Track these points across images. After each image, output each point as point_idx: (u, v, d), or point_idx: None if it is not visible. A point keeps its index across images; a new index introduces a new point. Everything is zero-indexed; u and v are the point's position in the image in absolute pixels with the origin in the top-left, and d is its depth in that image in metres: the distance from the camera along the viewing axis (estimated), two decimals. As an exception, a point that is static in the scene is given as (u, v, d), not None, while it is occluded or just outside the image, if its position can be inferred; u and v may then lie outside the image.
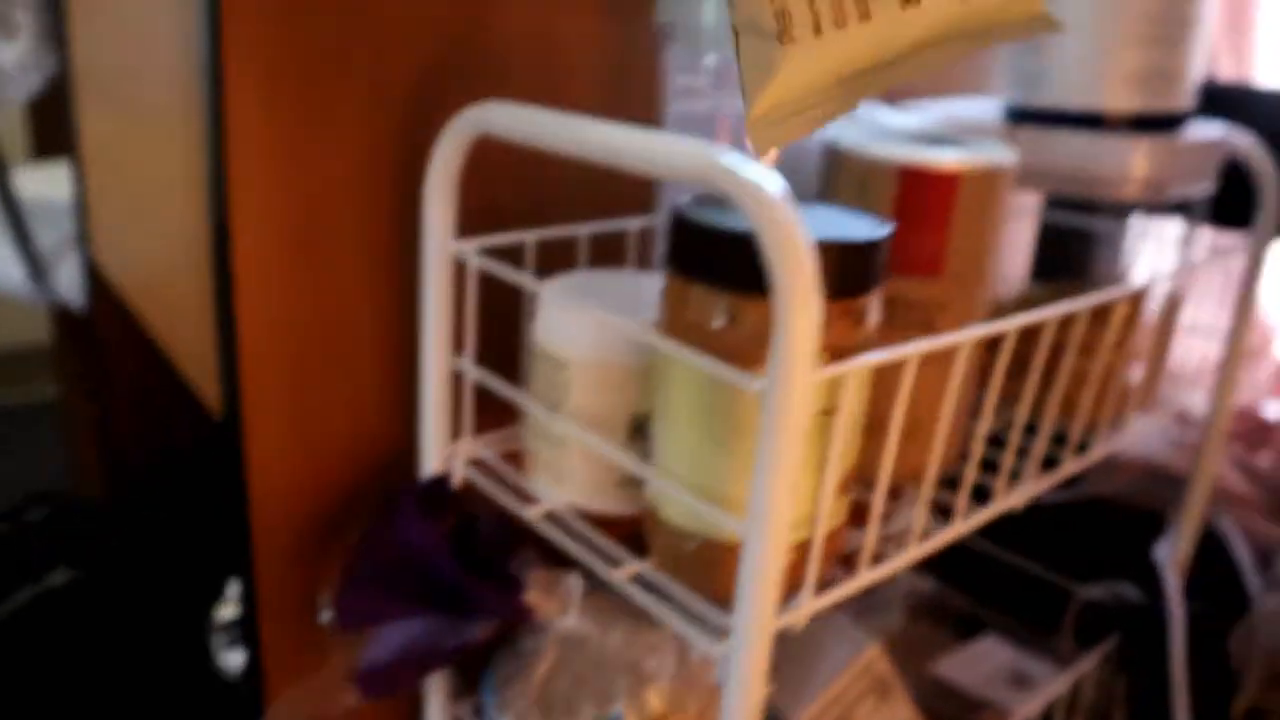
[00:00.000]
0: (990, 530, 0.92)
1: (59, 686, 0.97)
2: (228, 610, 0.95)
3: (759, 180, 0.39)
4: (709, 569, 0.47)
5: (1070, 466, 0.68)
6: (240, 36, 0.53)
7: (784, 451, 0.40)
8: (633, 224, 0.67)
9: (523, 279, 0.55)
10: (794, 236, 0.38)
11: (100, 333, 1.05)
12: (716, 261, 0.44)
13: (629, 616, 0.60)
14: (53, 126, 1.67)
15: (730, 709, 0.45)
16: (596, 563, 0.52)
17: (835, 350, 0.44)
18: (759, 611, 0.43)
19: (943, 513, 0.58)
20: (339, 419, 0.62)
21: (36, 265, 1.14)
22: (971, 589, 1.08)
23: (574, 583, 0.59)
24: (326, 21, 0.56)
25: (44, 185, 1.28)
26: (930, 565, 1.07)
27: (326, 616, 0.58)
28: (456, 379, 0.60)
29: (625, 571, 0.52)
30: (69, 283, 1.13)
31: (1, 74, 1.06)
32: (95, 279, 1.02)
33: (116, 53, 0.83)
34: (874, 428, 0.50)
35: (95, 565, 1.04)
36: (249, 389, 0.59)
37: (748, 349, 0.43)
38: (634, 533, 0.54)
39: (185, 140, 0.63)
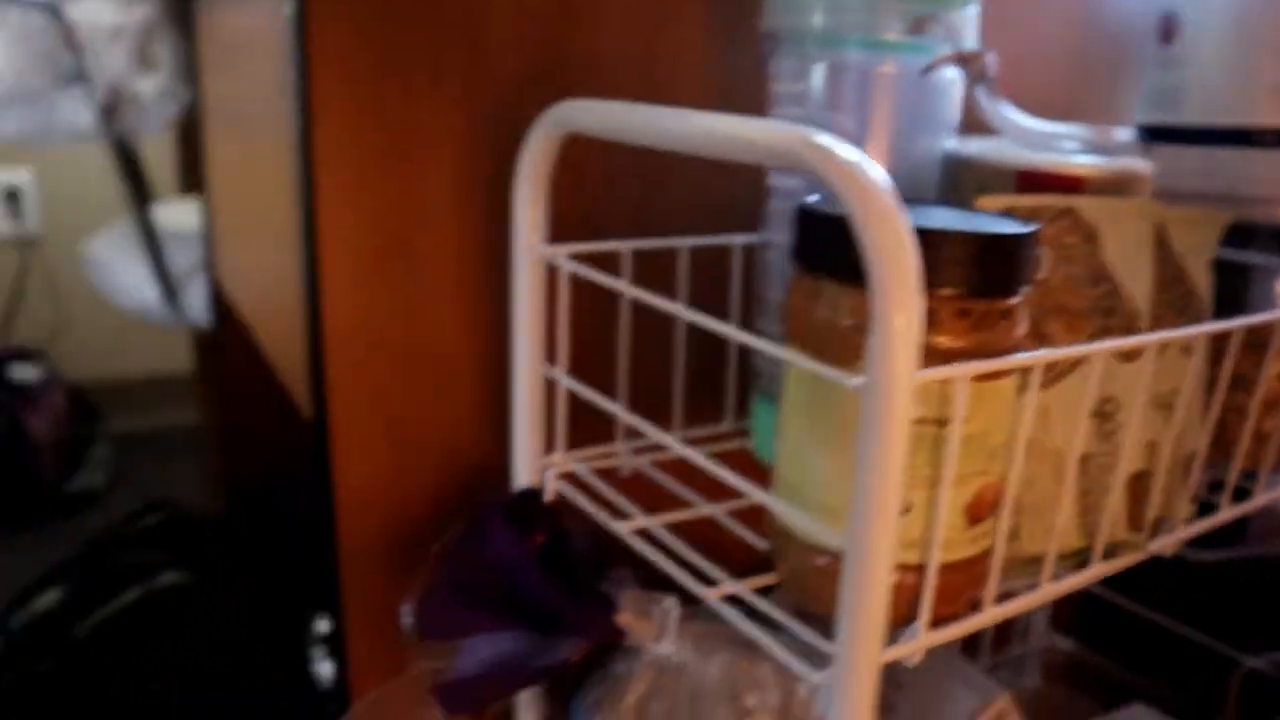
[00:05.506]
0: (1141, 587, 0.85)
1: (161, 681, 1.00)
2: (325, 622, 0.95)
3: (855, 162, 0.36)
4: (823, 584, 0.43)
5: (1226, 514, 0.60)
6: (327, 48, 0.53)
7: (884, 455, 0.36)
8: (738, 239, 0.64)
9: (617, 284, 0.53)
10: (891, 219, 0.35)
11: (224, 351, 1.08)
12: (842, 256, 0.41)
13: (730, 645, 0.57)
14: (195, 162, 1.76)
15: (830, 745, 0.41)
16: (689, 580, 0.49)
17: (981, 354, 0.40)
18: (861, 636, 0.39)
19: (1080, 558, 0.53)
20: (429, 428, 0.60)
21: (169, 288, 1.19)
22: (1118, 652, 0.99)
23: (670, 605, 0.55)
24: (419, 35, 0.55)
25: (181, 216, 1.33)
26: (1073, 625, 0.99)
27: (408, 624, 0.56)
28: (551, 391, 0.58)
29: (719, 591, 0.48)
30: (197, 305, 1.17)
31: (141, 104, 1.11)
32: (219, 300, 1.05)
33: (233, 82, 0.86)
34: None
35: (204, 570, 1.07)
36: (336, 397, 0.58)
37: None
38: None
39: (283, 158, 0.63)
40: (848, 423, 0.41)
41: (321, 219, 0.55)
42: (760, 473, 0.62)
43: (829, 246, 0.42)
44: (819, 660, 0.43)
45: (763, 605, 0.46)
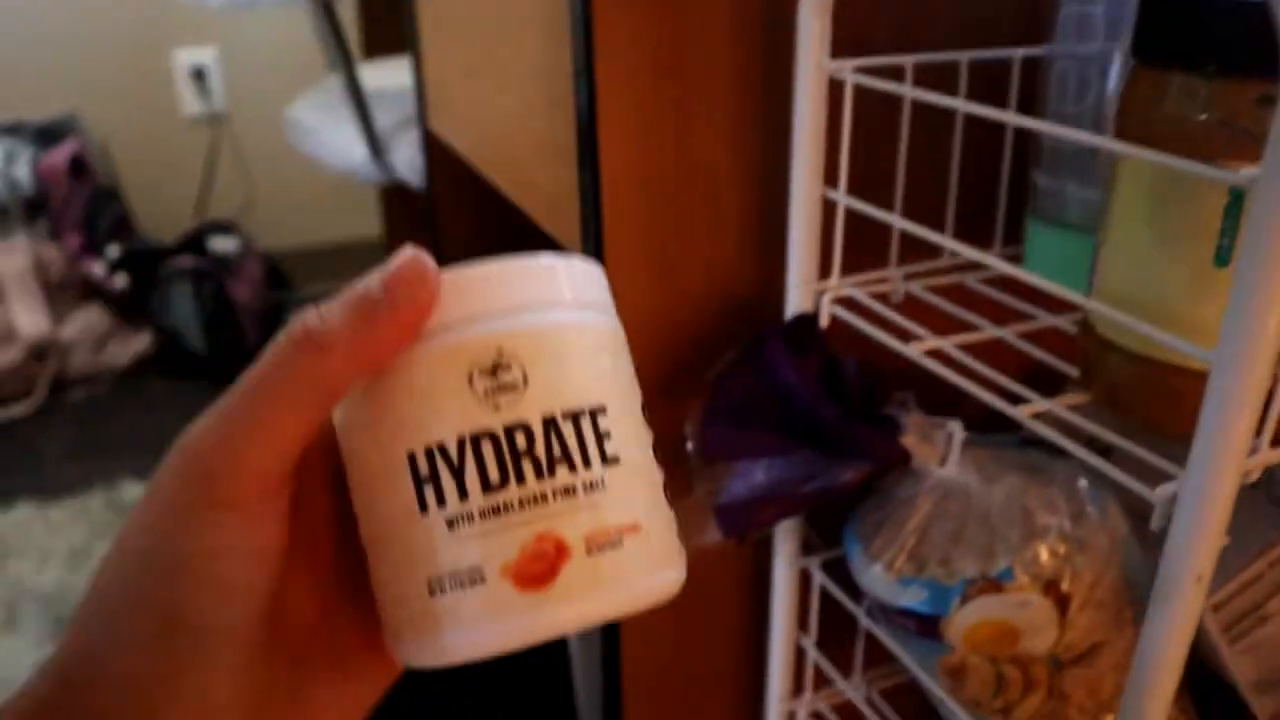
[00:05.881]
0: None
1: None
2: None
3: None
4: (1161, 399, 0.42)
5: None
6: None
7: (1273, 259, 0.34)
8: (1018, 52, 0.60)
9: (902, 89, 0.51)
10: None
11: (436, 206, 1.10)
12: (1209, 45, 0.38)
13: (1015, 469, 0.56)
14: (376, 31, 1.77)
15: (1174, 559, 0.40)
16: (995, 399, 0.48)
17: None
18: (1224, 450, 0.37)
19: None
20: (699, 257, 0.60)
21: (376, 146, 1.21)
22: None
23: (955, 429, 0.54)
24: None
25: (375, 79, 1.34)
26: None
27: (689, 448, 0.57)
28: (827, 216, 0.57)
29: (1029, 409, 0.47)
30: (403, 161, 1.19)
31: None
32: (432, 151, 1.06)
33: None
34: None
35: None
36: (610, 228, 0.58)
37: (1236, 144, 0.37)
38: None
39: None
40: (1206, 227, 0.39)
41: (598, 42, 0.54)
42: (1037, 297, 0.59)
43: (1190, 35, 0.38)
44: (1152, 470, 0.42)
45: (1080, 421, 0.45)
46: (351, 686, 0.28)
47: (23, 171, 2.03)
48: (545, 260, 0.28)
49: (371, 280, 0.25)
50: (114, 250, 2.05)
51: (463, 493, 0.25)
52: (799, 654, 0.71)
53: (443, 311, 0.26)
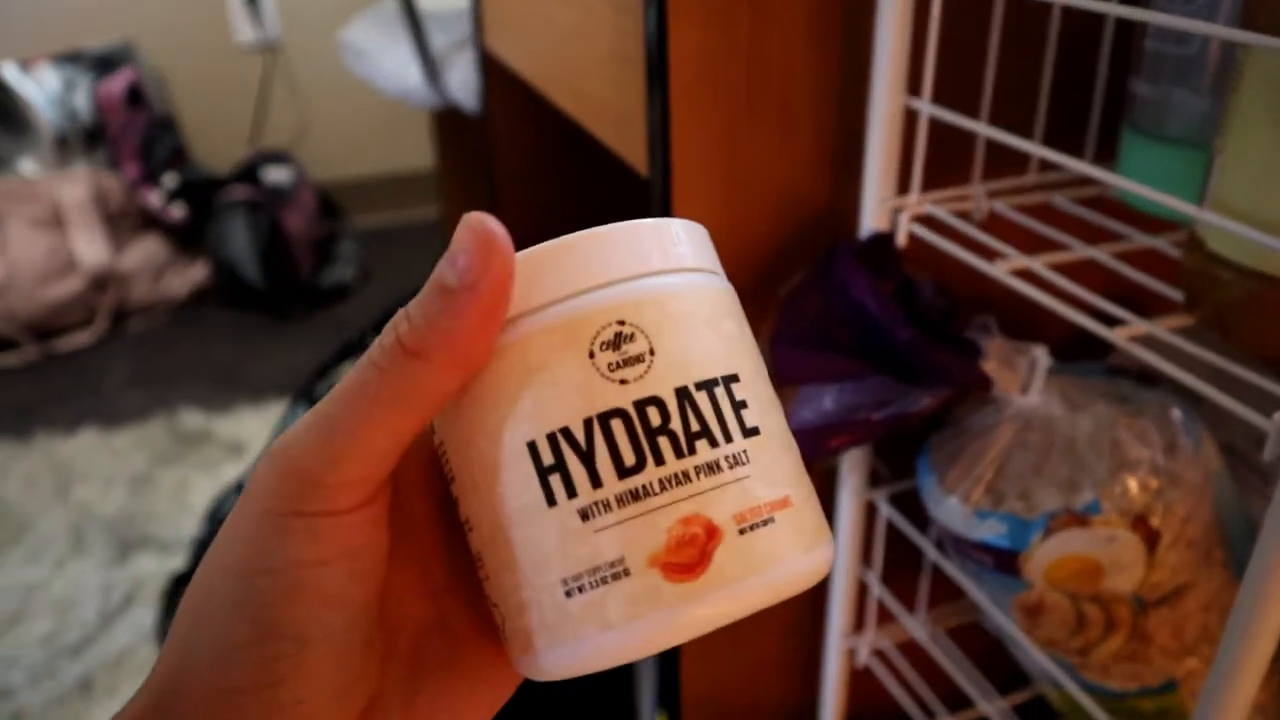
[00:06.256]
0: None
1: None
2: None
3: None
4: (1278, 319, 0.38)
5: None
6: None
7: None
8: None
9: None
10: None
11: (491, 126, 1.07)
12: None
13: (1103, 398, 0.52)
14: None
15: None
16: (1089, 321, 0.44)
17: None
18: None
19: None
20: (769, 173, 0.57)
21: (431, 69, 1.18)
22: None
23: (1039, 354, 0.51)
24: None
25: (426, 1, 1.31)
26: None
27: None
28: (906, 129, 0.53)
29: (1126, 331, 0.44)
30: (458, 84, 1.16)
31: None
32: (488, 73, 1.03)
33: None
34: None
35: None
36: (678, 142, 0.55)
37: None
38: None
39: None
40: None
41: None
42: (1130, 217, 0.56)
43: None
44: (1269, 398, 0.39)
45: (1184, 344, 0.42)
46: (471, 693, 0.27)
47: (81, 100, 2.04)
48: (655, 221, 0.25)
49: (444, 266, 0.23)
50: (171, 180, 2.06)
51: (595, 480, 0.23)
52: (861, 589, 0.69)
53: (553, 283, 0.24)
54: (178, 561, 1.29)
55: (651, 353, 0.23)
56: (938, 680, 0.70)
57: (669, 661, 0.70)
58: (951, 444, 0.55)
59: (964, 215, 0.55)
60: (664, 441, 0.23)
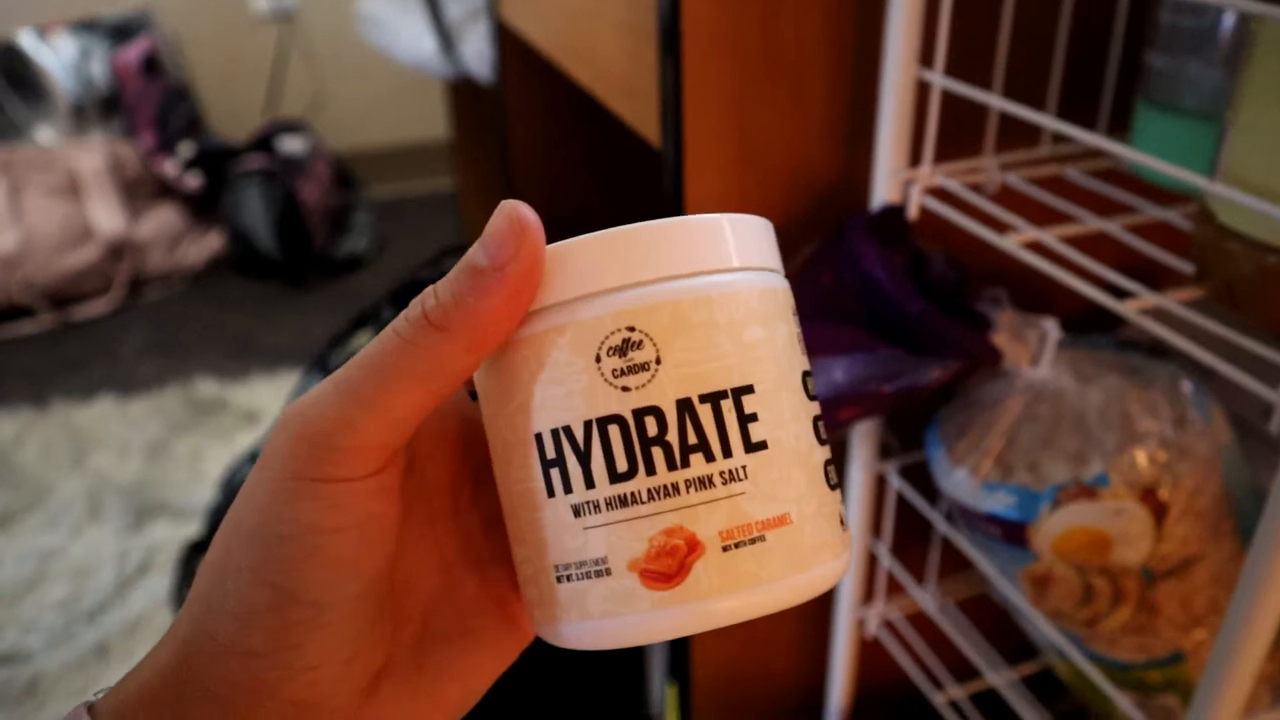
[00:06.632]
0: None
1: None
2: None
3: None
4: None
5: None
6: None
7: None
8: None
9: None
10: None
11: (505, 97, 1.07)
12: None
13: (1113, 371, 0.52)
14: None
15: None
16: (1098, 294, 0.44)
17: None
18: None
19: None
20: (780, 143, 0.57)
21: (446, 38, 1.18)
22: None
23: (1050, 327, 0.51)
24: None
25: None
26: None
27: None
28: (919, 99, 0.53)
29: (1136, 304, 0.44)
30: (472, 54, 1.16)
31: None
32: (503, 44, 1.03)
33: None
34: None
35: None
36: (690, 112, 0.55)
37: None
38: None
39: None
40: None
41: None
42: (1142, 190, 0.55)
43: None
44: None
45: (1194, 316, 0.42)
46: (478, 654, 0.27)
47: (98, 68, 2.04)
48: (697, 219, 0.25)
49: (476, 248, 0.23)
50: (187, 149, 2.06)
51: (589, 481, 0.24)
52: (871, 561, 0.70)
53: (570, 283, 0.24)
54: (193, 529, 1.30)
55: (658, 361, 0.24)
56: (946, 651, 0.70)
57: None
58: (961, 416, 0.55)
59: (976, 188, 0.55)
60: (658, 452, 0.23)
